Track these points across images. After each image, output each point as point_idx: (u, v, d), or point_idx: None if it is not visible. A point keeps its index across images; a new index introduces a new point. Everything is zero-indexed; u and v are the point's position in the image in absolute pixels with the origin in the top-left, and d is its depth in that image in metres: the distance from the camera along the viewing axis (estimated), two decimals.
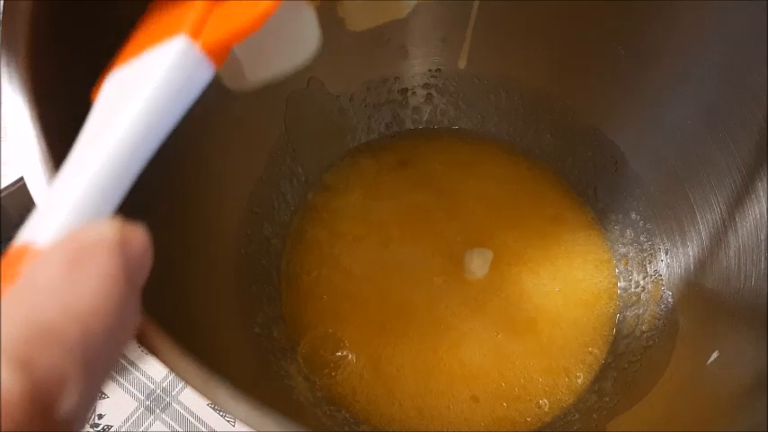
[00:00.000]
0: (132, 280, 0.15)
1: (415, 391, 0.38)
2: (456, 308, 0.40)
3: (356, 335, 0.40)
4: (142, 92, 0.17)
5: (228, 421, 0.39)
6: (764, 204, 0.33)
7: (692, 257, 0.38)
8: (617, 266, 0.42)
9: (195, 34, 0.17)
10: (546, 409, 0.38)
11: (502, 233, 0.43)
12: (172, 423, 0.39)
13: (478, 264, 0.41)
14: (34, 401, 0.12)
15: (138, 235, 0.16)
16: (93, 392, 0.14)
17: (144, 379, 0.40)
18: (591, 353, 0.40)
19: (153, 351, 0.19)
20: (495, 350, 0.39)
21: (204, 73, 0.18)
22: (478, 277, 0.41)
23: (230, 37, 0.18)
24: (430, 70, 0.45)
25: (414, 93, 0.46)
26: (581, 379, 0.39)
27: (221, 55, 0.18)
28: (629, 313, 0.41)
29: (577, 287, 0.42)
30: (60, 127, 0.22)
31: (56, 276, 0.14)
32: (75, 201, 0.16)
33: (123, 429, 0.39)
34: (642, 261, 0.41)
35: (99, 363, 0.14)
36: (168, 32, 0.18)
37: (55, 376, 0.13)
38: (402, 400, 0.38)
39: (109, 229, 0.15)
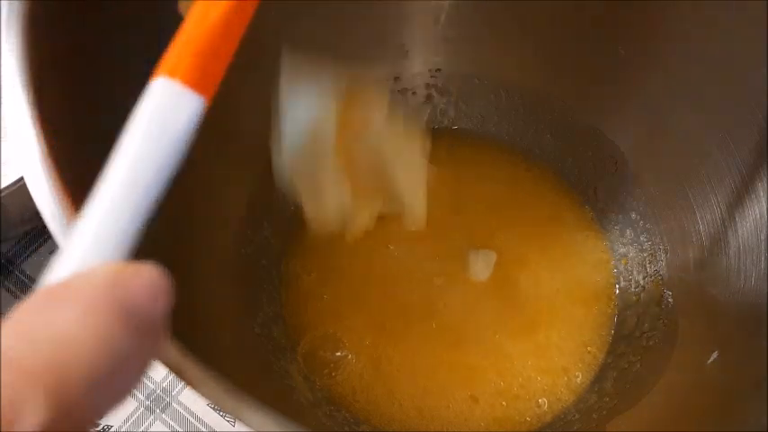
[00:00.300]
0: (132, 317, 0.15)
1: (414, 391, 0.38)
2: (455, 308, 0.40)
3: (356, 335, 0.40)
4: (129, 140, 0.17)
5: (228, 421, 0.39)
6: (764, 204, 0.33)
7: (691, 257, 0.38)
8: (616, 266, 0.42)
9: (172, 71, 0.18)
10: (545, 408, 0.38)
11: (502, 233, 0.43)
12: (172, 423, 0.39)
13: (482, 266, 0.41)
14: None
15: (143, 273, 0.15)
16: (74, 421, 0.13)
17: (144, 379, 0.40)
18: (589, 352, 0.40)
19: None
20: (494, 350, 0.39)
21: (191, 105, 0.18)
22: (481, 279, 0.41)
23: (198, 58, 0.18)
24: (430, 70, 0.45)
25: (414, 93, 0.46)
26: (580, 378, 0.39)
27: (206, 81, 0.18)
28: (629, 313, 0.41)
29: (576, 287, 0.42)
30: (60, 127, 0.22)
31: (28, 311, 0.14)
32: (78, 251, 0.16)
33: (123, 429, 0.39)
34: (642, 261, 0.41)
35: (80, 394, 0.13)
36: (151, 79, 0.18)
37: (6, 400, 0.12)
38: (402, 400, 0.38)
39: (100, 270, 0.15)
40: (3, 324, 0.14)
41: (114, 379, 0.14)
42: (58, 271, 0.15)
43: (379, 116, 0.33)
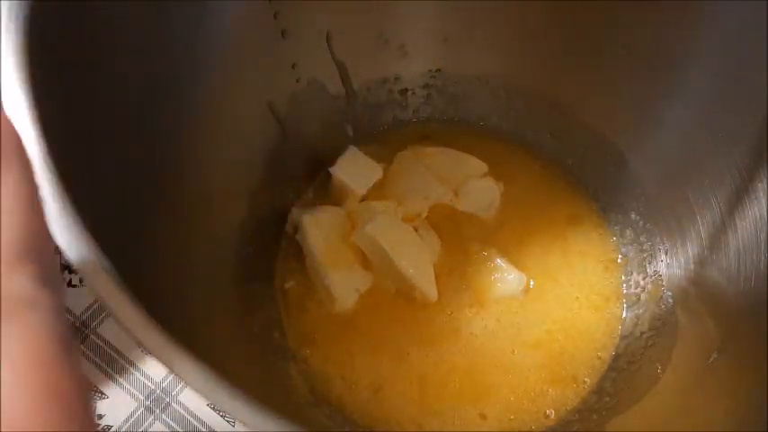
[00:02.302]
0: None
1: (418, 410, 0.37)
2: (475, 330, 0.39)
3: (358, 349, 0.39)
4: None
5: (228, 421, 0.39)
6: (764, 205, 0.33)
7: (692, 258, 0.38)
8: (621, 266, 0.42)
9: None
10: (552, 417, 0.38)
11: (527, 240, 0.42)
12: (171, 423, 0.39)
13: (516, 288, 0.40)
14: None
15: None
16: None
17: (144, 379, 0.40)
18: (599, 357, 0.39)
19: (153, 351, 0.19)
20: (509, 367, 0.38)
21: None
22: (515, 297, 0.40)
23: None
24: (430, 70, 0.45)
25: (414, 93, 0.46)
26: (587, 383, 0.38)
27: None
28: (629, 314, 0.40)
29: (591, 291, 0.41)
30: (60, 128, 0.22)
31: None
32: None
33: (123, 429, 0.39)
34: (642, 261, 0.41)
35: None
36: None
37: None
38: (402, 421, 0.37)
39: None
40: None
41: None
42: None
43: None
